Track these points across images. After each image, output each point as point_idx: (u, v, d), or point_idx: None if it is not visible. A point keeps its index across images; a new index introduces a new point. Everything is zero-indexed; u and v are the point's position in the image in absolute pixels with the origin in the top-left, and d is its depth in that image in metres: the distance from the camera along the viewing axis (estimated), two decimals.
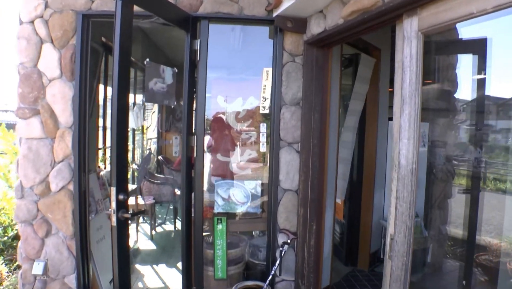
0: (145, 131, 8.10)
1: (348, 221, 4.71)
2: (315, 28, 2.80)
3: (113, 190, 2.33)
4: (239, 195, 3.24)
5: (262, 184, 3.25)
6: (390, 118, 4.89)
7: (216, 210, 3.25)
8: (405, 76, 2.05)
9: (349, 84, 4.32)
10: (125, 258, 2.46)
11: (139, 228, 5.67)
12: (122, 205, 2.36)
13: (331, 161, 3.33)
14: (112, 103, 2.33)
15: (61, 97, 3.09)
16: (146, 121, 8.15)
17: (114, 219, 2.35)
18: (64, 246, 3.18)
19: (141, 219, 5.97)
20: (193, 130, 3.07)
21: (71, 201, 3.13)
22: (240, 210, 3.25)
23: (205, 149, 3.12)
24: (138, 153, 7.79)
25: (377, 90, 4.40)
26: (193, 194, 3.17)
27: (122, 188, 2.37)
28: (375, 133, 4.45)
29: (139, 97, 6.93)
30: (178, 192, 5.56)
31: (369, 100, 4.43)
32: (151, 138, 8.33)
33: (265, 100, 3.16)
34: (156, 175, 6.67)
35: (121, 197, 2.33)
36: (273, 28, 3.11)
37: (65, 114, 3.10)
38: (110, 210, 2.37)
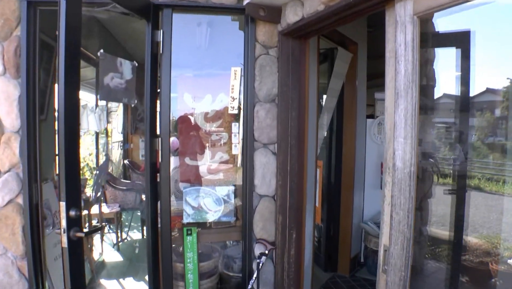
0: (110, 134, 7.63)
1: (327, 224, 4.48)
2: (291, 16, 2.52)
3: (62, 205, 1.96)
4: (210, 202, 2.92)
5: (236, 190, 2.95)
6: (369, 116, 4.73)
7: (185, 220, 2.92)
8: (399, 66, 1.80)
9: (323, 81, 4.09)
10: (80, 285, 2.10)
11: (104, 237, 5.25)
12: (74, 222, 1.99)
13: (311, 163, 3.07)
14: (59, 103, 1.97)
15: (4, 98, 2.68)
16: (110, 124, 7.69)
17: (64, 239, 1.98)
18: (14, 268, 2.76)
19: (106, 228, 5.54)
20: (158, 132, 2.74)
21: (20, 216, 2.72)
22: (212, 218, 2.94)
23: (172, 152, 2.80)
24: (102, 158, 7.32)
25: (354, 87, 4.19)
26: (159, 203, 2.83)
27: (73, 201, 2.00)
28: (353, 132, 4.23)
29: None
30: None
31: (346, 97, 4.22)
32: (117, 142, 7.87)
33: (233, 100, 2.86)
34: (122, 180, 6.25)
35: (72, 213, 1.96)
36: (244, 18, 2.81)
37: (11, 117, 2.69)
38: (59, 228, 2.00)
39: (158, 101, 2.73)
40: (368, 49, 4.32)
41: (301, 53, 2.80)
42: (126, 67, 2.61)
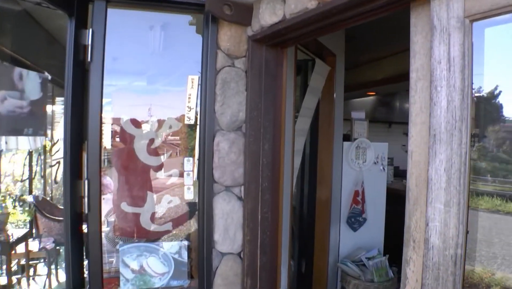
0: (51, 152, 6.58)
1: (298, 262, 3.84)
2: (268, 16, 1.85)
3: None
4: (156, 262, 2.18)
5: (190, 245, 2.23)
6: (345, 138, 4.18)
7: (123, 287, 2.16)
8: (437, 95, 1.17)
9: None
10: None
11: (36, 278, 4.30)
12: None
13: (286, 209, 2.41)
14: None
15: None
16: (49, 137, 6.65)
17: None
18: None
19: (39, 267, 4.58)
20: (84, 172, 1.97)
21: None
22: (158, 284, 2.20)
23: (103, 196, 2.04)
24: (38, 180, 6.25)
25: (332, 104, 3.59)
26: (86, 263, 2.07)
27: None
28: (330, 157, 3.63)
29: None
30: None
31: (322, 116, 3.61)
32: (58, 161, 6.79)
33: (190, 110, 2.16)
34: (60, 207, 5.29)
35: None
36: (203, 17, 2.12)
37: None
38: None
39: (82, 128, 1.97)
40: (346, 60, 3.76)
41: (277, 66, 2.14)
42: (31, 82, 1.83)
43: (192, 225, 2.22)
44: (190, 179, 2.15)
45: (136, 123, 2.20)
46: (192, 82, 2.17)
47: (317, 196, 3.68)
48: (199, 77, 2.15)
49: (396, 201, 3.89)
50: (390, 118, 9.72)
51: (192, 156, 2.16)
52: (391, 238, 4.19)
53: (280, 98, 2.19)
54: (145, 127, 2.20)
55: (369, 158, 3.95)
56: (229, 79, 2.11)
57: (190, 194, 2.16)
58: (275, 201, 2.14)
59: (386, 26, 5.24)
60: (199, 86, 2.15)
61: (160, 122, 2.20)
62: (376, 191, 4.02)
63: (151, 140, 2.18)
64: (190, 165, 2.15)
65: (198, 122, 2.13)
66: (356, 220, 3.91)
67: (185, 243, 2.20)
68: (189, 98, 2.16)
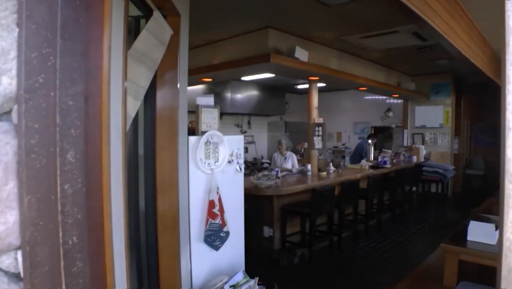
0: None
1: None
2: None
3: None
4: None
5: None
6: (191, 132, 3.21)
7: None
8: None
9: None
10: None
11: None
12: None
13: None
14: None
15: None
16: None
17: None
18: None
19: None
20: None
21: None
22: None
23: None
24: None
25: (174, 84, 2.59)
26: None
27: None
28: (174, 158, 2.62)
29: None
30: None
31: (162, 103, 2.57)
32: None
33: None
34: None
35: None
36: None
37: None
38: None
39: None
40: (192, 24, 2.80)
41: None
42: None
43: None
44: None
45: None
46: None
47: (158, 210, 2.64)
48: None
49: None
50: (222, 109, 9.24)
51: None
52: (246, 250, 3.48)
53: (99, 57, 1.07)
54: None
55: (223, 156, 3.10)
56: None
57: None
58: (97, 272, 1.02)
59: (225, 2, 4.50)
60: None
61: None
62: (234, 197, 3.22)
63: None
64: None
65: None
66: (217, 236, 3.03)
67: None
68: None
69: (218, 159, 3.07)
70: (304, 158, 7.25)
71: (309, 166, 5.98)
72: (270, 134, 11.02)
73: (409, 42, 5.88)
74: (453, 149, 9.15)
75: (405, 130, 9.58)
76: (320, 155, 9.08)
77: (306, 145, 6.73)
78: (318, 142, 6.07)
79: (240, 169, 3.25)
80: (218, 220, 3.04)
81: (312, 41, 5.77)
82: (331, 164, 6.58)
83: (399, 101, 9.88)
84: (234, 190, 3.23)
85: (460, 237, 3.30)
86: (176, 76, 2.56)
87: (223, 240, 3.09)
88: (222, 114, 9.56)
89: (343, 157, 9.84)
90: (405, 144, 9.50)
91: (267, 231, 5.12)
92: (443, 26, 3.72)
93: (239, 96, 9.34)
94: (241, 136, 3.35)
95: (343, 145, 10.90)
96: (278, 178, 5.05)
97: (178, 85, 2.58)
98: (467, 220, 3.43)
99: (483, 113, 9.82)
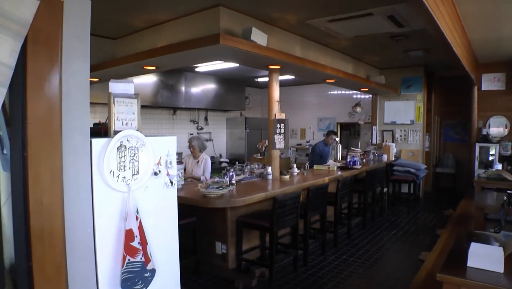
0: None
1: None
2: None
3: None
4: None
5: None
6: (95, 131, 2.22)
7: None
8: None
9: None
10: None
11: None
12: None
13: None
14: None
15: None
16: None
17: None
18: None
19: None
20: None
21: None
22: None
23: None
24: None
25: (55, 58, 1.69)
26: None
27: None
28: (57, 174, 1.73)
29: None
30: None
31: (35, 89, 1.68)
32: None
33: None
34: None
35: None
36: None
37: None
38: None
39: None
40: None
41: None
42: None
43: None
44: None
45: None
46: None
47: (33, 256, 1.74)
48: None
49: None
50: (175, 104, 8.36)
51: None
52: None
53: None
54: None
55: (145, 165, 2.23)
56: None
57: None
58: None
59: None
60: None
61: None
62: (164, 221, 2.37)
63: None
64: None
65: None
66: (139, 278, 2.17)
67: None
68: None
69: (137, 171, 2.20)
70: (264, 158, 6.42)
71: (269, 169, 5.18)
72: (229, 131, 10.20)
73: (382, 29, 5.19)
74: (425, 147, 8.65)
75: (374, 127, 8.99)
76: (282, 153, 8.37)
77: (267, 142, 5.89)
78: (280, 142, 5.29)
79: (171, 182, 2.39)
80: (139, 257, 2.18)
81: (273, 25, 4.95)
82: (294, 165, 5.79)
83: (367, 96, 9.29)
84: (164, 212, 2.37)
85: (458, 262, 2.59)
86: (57, 45, 1.67)
87: (147, 281, 2.23)
88: (175, 110, 8.67)
89: (307, 155, 9.15)
90: (374, 142, 8.91)
91: (220, 247, 4.29)
92: (432, 3, 3.03)
93: (194, 89, 8.47)
94: (173, 138, 2.47)
95: (307, 142, 10.20)
96: (233, 184, 4.23)
97: (62, 60, 1.69)
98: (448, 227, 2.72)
99: (453, 109, 9.40)
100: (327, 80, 6.42)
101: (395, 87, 8.52)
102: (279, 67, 4.90)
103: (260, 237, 4.67)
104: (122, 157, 2.13)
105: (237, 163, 6.98)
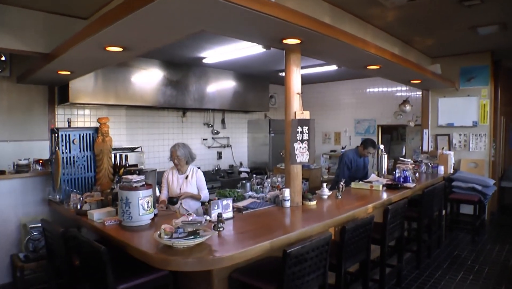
0: None
1: None
2: None
3: None
4: None
5: None
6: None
7: None
8: None
9: None
10: None
11: None
12: None
13: None
14: None
15: None
16: None
17: None
18: None
19: None
20: None
21: None
22: None
23: None
24: None
25: None
26: None
27: None
28: None
29: None
30: None
31: None
32: None
33: None
34: None
35: None
36: None
37: None
38: None
39: None
40: None
41: None
42: None
43: None
44: None
45: None
46: None
47: None
48: None
49: None
50: (184, 104, 6.96)
51: None
52: None
53: None
54: None
55: None
56: None
57: None
58: None
59: None
60: None
61: None
62: None
63: None
64: None
65: None
66: None
67: None
68: None
69: None
70: None
71: (287, 192, 3.60)
72: (251, 136, 8.72)
73: None
74: (491, 156, 6.79)
75: (425, 131, 7.19)
76: (313, 163, 6.78)
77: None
78: (302, 153, 3.68)
79: None
80: None
81: None
82: (324, 185, 4.14)
83: (413, 93, 7.53)
84: None
85: None
86: None
87: None
88: (185, 111, 7.28)
89: None
90: (425, 149, 7.13)
91: None
92: None
93: (207, 87, 7.05)
94: None
95: (343, 148, 8.51)
96: (222, 224, 2.68)
97: None
98: None
99: None
100: (369, 67, 4.71)
101: (452, 80, 6.73)
102: (298, 41, 3.26)
103: None
104: None
105: (254, 175, 5.53)
